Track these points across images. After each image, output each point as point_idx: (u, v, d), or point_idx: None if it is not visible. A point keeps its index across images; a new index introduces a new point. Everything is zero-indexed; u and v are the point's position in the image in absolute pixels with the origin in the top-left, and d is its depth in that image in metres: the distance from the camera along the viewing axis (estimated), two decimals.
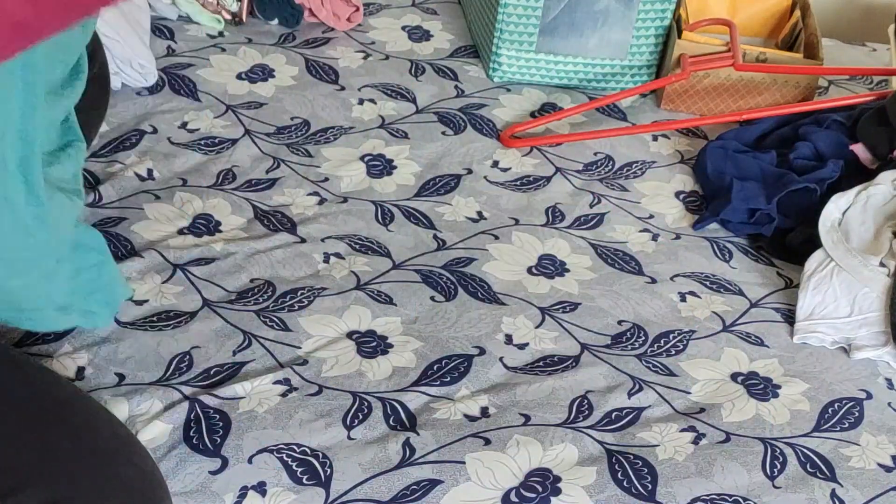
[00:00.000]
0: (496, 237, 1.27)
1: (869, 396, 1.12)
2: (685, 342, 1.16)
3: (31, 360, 0.98)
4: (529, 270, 1.24)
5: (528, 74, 1.55)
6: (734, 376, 1.13)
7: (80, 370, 1.03)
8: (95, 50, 1.22)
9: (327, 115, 1.44)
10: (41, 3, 0.62)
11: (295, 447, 0.98)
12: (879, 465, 1.05)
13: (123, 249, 1.18)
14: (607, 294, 1.21)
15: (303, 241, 1.23)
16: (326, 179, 1.33)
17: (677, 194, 1.39)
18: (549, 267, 1.24)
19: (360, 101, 1.47)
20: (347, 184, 1.33)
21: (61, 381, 0.95)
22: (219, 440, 0.98)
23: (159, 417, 0.99)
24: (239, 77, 1.48)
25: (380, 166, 1.36)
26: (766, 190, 1.32)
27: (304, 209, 1.27)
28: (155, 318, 1.10)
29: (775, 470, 1.02)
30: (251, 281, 1.16)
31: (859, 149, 1.36)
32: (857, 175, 1.34)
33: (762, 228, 1.31)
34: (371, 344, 1.11)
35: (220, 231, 1.22)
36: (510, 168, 1.40)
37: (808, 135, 1.40)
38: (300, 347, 1.09)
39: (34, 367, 0.95)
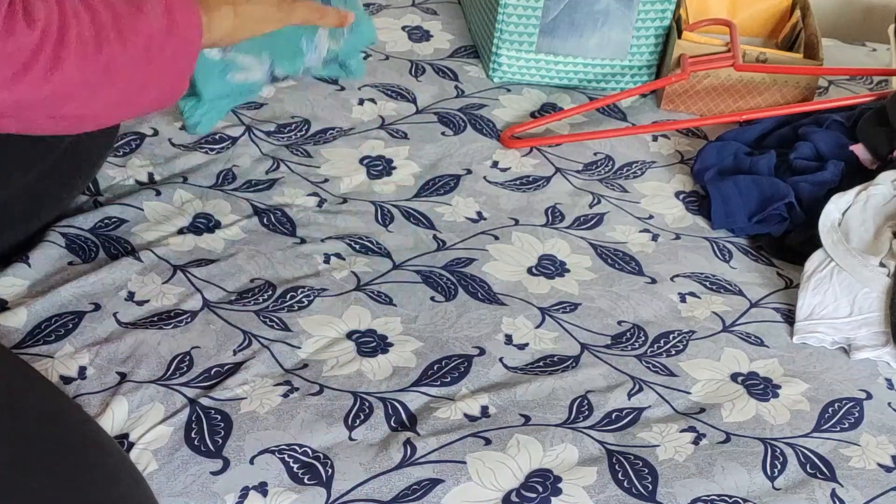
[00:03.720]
0: (496, 237, 1.28)
1: (869, 396, 1.12)
2: (685, 342, 1.16)
3: (20, 366, 0.97)
4: (529, 271, 1.24)
5: (528, 75, 1.55)
6: (734, 376, 1.13)
7: (82, 370, 1.03)
8: None
9: (327, 116, 1.44)
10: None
11: (297, 447, 0.99)
12: (879, 465, 1.05)
13: (123, 251, 1.18)
14: (607, 294, 1.21)
15: (303, 241, 1.23)
16: (326, 180, 1.33)
17: (677, 194, 1.39)
18: (550, 267, 1.25)
19: (360, 102, 1.47)
20: (347, 184, 1.33)
21: (54, 393, 0.94)
22: (220, 441, 0.98)
23: (161, 418, 1.00)
24: None
25: (379, 167, 1.37)
26: (747, 208, 1.32)
27: (304, 210, 1.28)
28: (155, 318, 1.10)
29: (775, 470, 1.02)
30: (251, 281, 1.16)
31: (859, 149, 1.36)
32: (857, 175, 1.34)
33: (772, 228, 1.31)
34: (371, 344, 1.11)
35: (220, 231, 1.22)
36: (510, 168, 1.40)
37: (808, 135, 1.40)
38: (300, 348, 1.09)
39: (23, 375, 0.95)
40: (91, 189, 1.26)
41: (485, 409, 1.05)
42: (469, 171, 1.38)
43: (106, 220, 1.21)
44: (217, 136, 1.36)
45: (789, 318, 1.21)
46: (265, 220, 1.25)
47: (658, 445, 1.03)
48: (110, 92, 0.91)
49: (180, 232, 1.21)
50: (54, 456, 0.84)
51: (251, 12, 1.03)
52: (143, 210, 1.23)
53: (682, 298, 1.22)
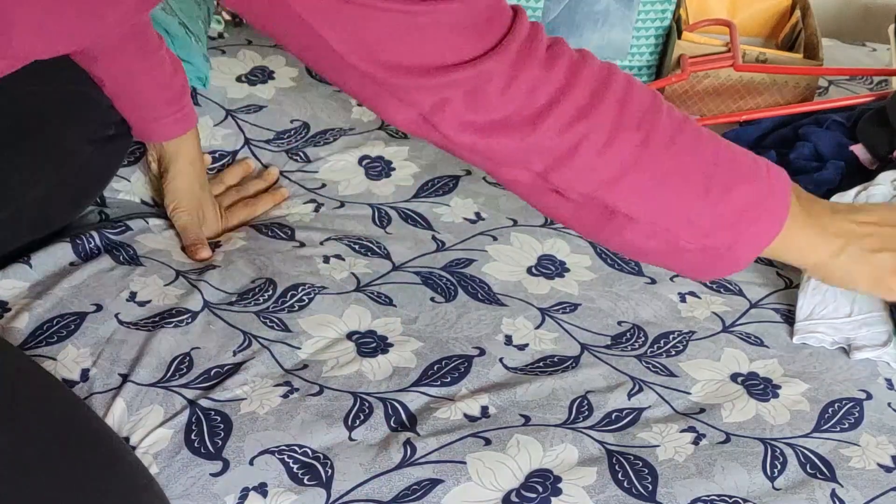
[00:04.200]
0: (495, 238, 1.28)
1: (869, 397, 1.12)
2: (685, 343, 1.16)
3: (28, 365, 0.98)
4: (529, 271, 1.24)
5: None
6: (734, 377, 1.13)
7: (85, 372, 1.04)
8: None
9: (327, 117, 1.44)
10: None
11: (296, 448, 0.99)
12: (879, 465, 1.05)
13: (126, 255, 1.18)
14: (607, 295, 1.21)
15: (302, 245, 1.23)
16: (324, 185, 1.33)
17: None
18: (549, 267, 1.25)
19: (360, 102, 1.47)
20: (345, 187, 1.33)
21: (65, 393, 0.95)
22: (220, 442, 0.99)
23: (160, 421, 1.00)
24: (239, 80, 1.48)
25: (378, 168, 1.37)
26: None
27: (301, 217, 1.28)
28: (157, 318, 1.10)
29: (775, 470, 1.02)
30: (252, 282, 1.17)
31: (859, 149, 1.36)
32: (858, 175, 1.34)
33: None
34: (371, 344, 1.11)
35: (222, 247, 1.23)
36: None
37: (808, 135, 1.40)
38: (300, 348, 1.10)
39: (31, 373, 0.95)
40: (98, 201, 1.27)
41: (485, 410, 1.05)
42: (468, 172, 1.38)
43: (110, 223, 1.22)
44: (217, 154, 1.37)
45: (789, 318, 1.21)
46: (263, 229, 1.25)
47: (658, 445, 1.03)
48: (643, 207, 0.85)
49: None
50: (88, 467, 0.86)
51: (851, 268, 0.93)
52: (146, 222, 1.23)
53: (682, 298, 1.22)
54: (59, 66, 1.15)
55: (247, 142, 1.39)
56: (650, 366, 1.13)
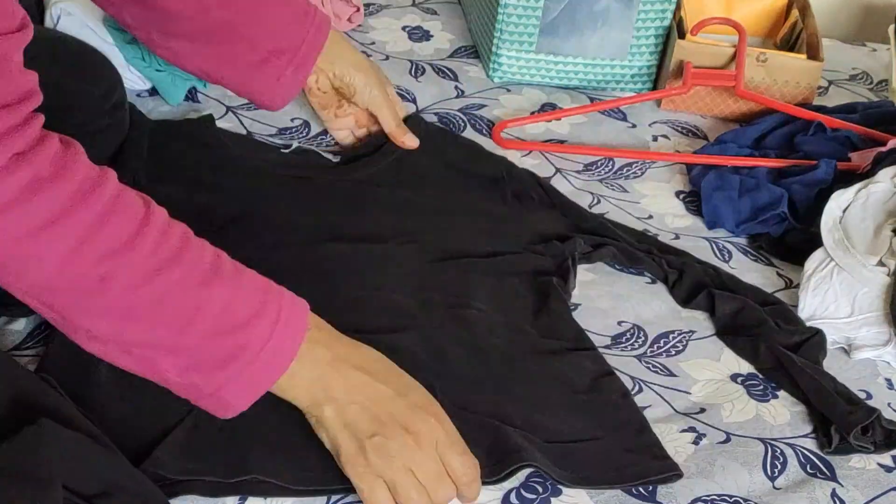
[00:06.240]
0: None
1: (869, 396, 1.12)
2: (685, 343, 1.16)
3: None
4: None
5: (529, 75, 1.55)
6: (734, 377, 1.13)
7: None
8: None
9: None
10: None
11: None
12: (880, 465, 1.05)
13: None
14: (607, 294, 1.21)
15: None
16: None
17: (677, 194, 1.39)
18: None
19: None
20: None
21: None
22: None
23: None
24: None
25: None
26: (736, 216, 1.32)
27: None
28: None
29: (776, 470, 1.02)
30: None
31: (857, 156, 1.36)
32: (852, 173, 1.34)
33: (770, 228, 1.31)
34: None
35: None
36: None
37: (802, 144, 1.41)
38: None
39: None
40: None
41: None
42: None
43: None
44: None
45: None
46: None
47: None
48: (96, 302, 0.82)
49: None
50: None
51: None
52: None
53: None
54: (47, 62, 1.14)
55: (249, 135, 1.38)
56: (650, 365, 1.13)
